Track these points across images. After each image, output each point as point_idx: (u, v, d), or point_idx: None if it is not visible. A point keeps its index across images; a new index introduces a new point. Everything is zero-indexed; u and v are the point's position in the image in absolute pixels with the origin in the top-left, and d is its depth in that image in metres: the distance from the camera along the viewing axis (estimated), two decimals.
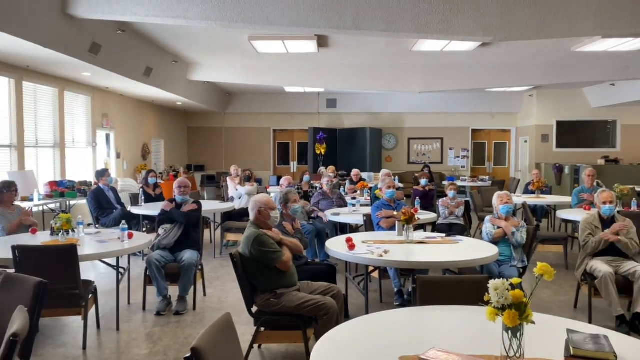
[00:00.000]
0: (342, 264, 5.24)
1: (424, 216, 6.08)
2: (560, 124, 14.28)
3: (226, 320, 2.01)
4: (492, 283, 1.83)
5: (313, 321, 3.30)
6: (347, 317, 4.11)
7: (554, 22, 5.95)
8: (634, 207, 6.39)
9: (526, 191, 9.37)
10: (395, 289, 4.82)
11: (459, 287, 2.77)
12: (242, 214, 7.48)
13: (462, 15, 5.96)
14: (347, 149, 15.49)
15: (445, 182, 13.14)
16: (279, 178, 14.26)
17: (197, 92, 12.51)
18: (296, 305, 3.28)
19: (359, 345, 2.09)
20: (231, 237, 7.42)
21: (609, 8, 5.83)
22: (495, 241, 4.45)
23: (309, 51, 9.28)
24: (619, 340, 2.04)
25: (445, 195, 6.82)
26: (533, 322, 1.80)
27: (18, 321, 1.86)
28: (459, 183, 12.62)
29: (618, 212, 4.93)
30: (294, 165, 16.67)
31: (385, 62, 10.65)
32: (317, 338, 3.30)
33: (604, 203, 4.47)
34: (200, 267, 4.85)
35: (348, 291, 4.78)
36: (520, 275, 4.38)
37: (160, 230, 4.72)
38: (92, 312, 4.01)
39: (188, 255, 4.59)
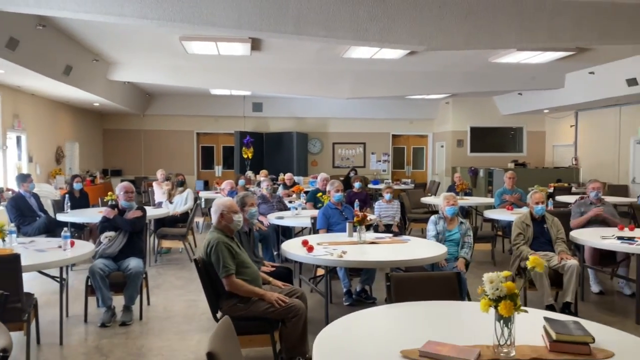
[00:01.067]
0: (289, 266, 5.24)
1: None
2: (473, 130, 15.24)
3: (227, 324, 1.97)
4: (487, 276, 1.96)
5: (280, 324, 3.29)
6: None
7: (481, 35, 6.38)
8: (550, 207, 7.00)
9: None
10: (345, 289, 4.92)
11: (430, 283, 2.91)
12: (176, 220, 7.24)
13: (400, 24, 6.21)
14: (273, 153, 15.48)
15: (370, 185, 13.58)
16: (206, 183, 13.99)
17: (116, 93, 11.92)
18: (264, 309, 3.25)
19: (356, 345, 2.13)
20: (166, 244, 7.15)
21: (529, 24, 6.35)
22: (441, 240, 4.69)
23: (242, 54, 9.19)
24: (585, 325, 2.25)
25: (377, 199, 7.05)
26: (526, 311, 1.94)
27: (2, 336, 1.70)
28: (382, 186, 13.08)
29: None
30: (218, 170, 16.36)
31: (315, 67, 10.80)
32: (283, 340, 3.31)
33: (537, 203, 4.86)
34: (145, 276, 4.65)
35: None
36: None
37: (103, 239, 4.46)
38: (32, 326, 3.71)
39: (134, 263, 4.38)
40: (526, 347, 2.04)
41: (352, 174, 13.32)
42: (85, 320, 4.41)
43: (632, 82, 9.73)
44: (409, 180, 14.17)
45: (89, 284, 4.30)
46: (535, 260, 1.98)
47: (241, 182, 8.34)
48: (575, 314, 4.49)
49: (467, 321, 2.40)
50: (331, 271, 4.78)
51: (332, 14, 6.13)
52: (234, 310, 3.27)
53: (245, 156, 14.25)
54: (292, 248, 4.12)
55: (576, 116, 13.73)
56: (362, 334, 2.24)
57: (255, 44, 8.71)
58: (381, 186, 13.18)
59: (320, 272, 4.98)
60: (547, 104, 12.71)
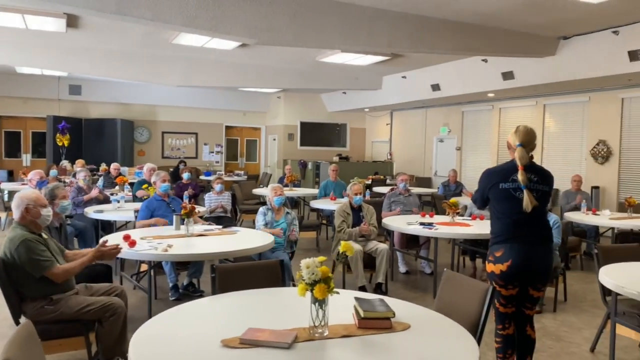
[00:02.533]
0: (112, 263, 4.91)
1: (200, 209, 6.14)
2: (303, 125, 15.91)
3: (28, 329, 1.78)
4: (304, 262, 2.08)
5: (96, 324, 3.07)
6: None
7: (308, 33, 6.67)
8: (367, 197, 7.65)
9: (281, 184, 10.20)
10: (171, 284, 4.78)
11: (255, 272, 2.98)
12: None
13: (230, 15, 6.18)
14: (94, 141, 14.23)
15: (202, 177, 13.32)
16: (10, 173, 12.30)
17: None
18: (77, 310, 3.00)
19: (175, 339, 2.09)
20: None
21: (351, 28, 6.83)
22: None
23: (55, 30, 8.25)
24: (389, 301, 2.54)
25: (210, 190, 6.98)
26: (337, 292, 2.11)
27: None
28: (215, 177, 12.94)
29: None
30: (26, 158, 14.51)
31: (142, 51, 10.19)
32: (100, 341, 3.10)
33: (355, 194, 5.28)
34: None
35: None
36: (290, 259, 4.86)
37: None
38: None
39: None
40: (339, 326, 2.22)
41: (181, 165, 12.94)
42: None
43: (435, 87, 11.10)
44: (242, 172, 14.24)
45: None
46: (345, 245, 2.16)
47: (53, 172, 7.51)
48: (385, 293, 5.01)
49: (289, 306, 2.52)
50: (156, 266, 4.64)
51: None
52: (41, 314, 2.96)
53: (60, 144, 12.86)
54: (113, 243, 3.85)
55: (391, 115, 15.20)
56: (183, 327, 2.21)
57: (72, 21, 7.91)
58: (213, 177, 13.03)
59: (145, 267, 4.77)
60: (367, 104, 13.83)
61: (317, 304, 2.10)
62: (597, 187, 9.19)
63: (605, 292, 3.62)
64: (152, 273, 3.85)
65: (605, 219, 6.30)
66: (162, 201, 5.04)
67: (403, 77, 11.85)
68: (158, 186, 5.02)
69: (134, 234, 4.30)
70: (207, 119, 16.33)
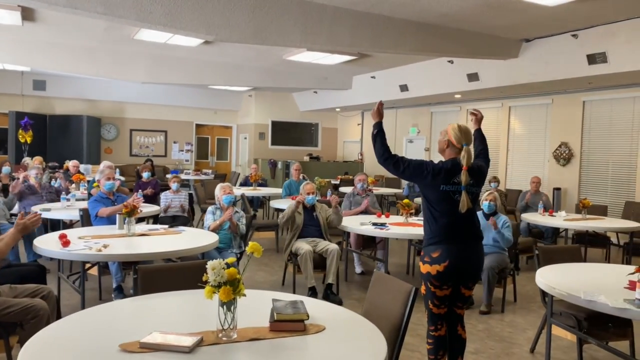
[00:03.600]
0: (55, 263, 4.78)
1: (147, 209, 6.02)
2: (274, 124, 15.81)
3: None
4: (210, 263, 2.01)
5: (18, 327, 2.95)
6: (59, 319, 3.81)
7: (268, 30, 6.60)
8: (329, 196, 7.59)
9: (245, 183, 10.11)
10: (115, 284, 4.66)
11: (180, 273, 2.89)
12: None
13: (186, 10, 6.07)
14: (59, 138, 13.92)
15: (169, 176, 13.13)
16: None
17: None
18: None
19: (73, 342, 2.00)
20: None
21: (312, 25, 6.77)
22: (215, 230, 4.73)
23: (11, 23, 8.03)
24: (311, 304, 2.48)
25: (169, 188, 6.85)
26: (244, 295, 2.04)
27: None
28: (182, 176, 12.77)
29: (318, 200, 5.82)
30: None
31: (105, 47, 9.99)
32: (22, 344, 2.97)
33: (308, 194, 5.22)
34: None
35: (61, 293, 4.41)
36: (238, 260, 4.78)
37: None
38: None
39: None
40: (250, 329, 2.15)
41: (148, 164, 12.73)
42: None
43: (403, 87, 11.12)
44: (210, 171, 14.08)
45: None
46: (252, 246, 2.10)
47: (5, 169, 7.27)
48: (336, 294, 4.97)
49: (205, 309, 2.43)
50: (102, 266, 4.53)
51: None
52: None
53: (22, 140, 12.52)
54: (46, 243, 3.73)
55: (362, 115, 15.20)
56: (88, 331, 2.12)
57: (28, 14, 7.70)
58: (181, 176, 12.85)
59: (94, 269, 4.64)
60: (339, 103, 13.80)
61: (224, 306, 2.03)
62: (558, 189, 9.32)
63: (545, 293, 3.62)
64: (84, 274, 3.72)
65: (560, 220, 6.36)
66: (107, 199, 4.91)
67: (372, 77, 11.85)
68: (102, 184, 4.89)
69: (74, 233, 4.18)
70: (177, 117, 16.11)
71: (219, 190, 4.92)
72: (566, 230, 6.39)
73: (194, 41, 8.77)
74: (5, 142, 13.66)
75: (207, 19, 6.24)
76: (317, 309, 2.43)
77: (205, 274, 2.03)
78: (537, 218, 6.57)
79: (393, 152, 3.07)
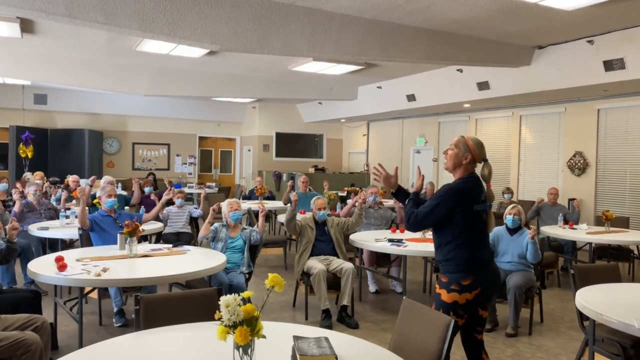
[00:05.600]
0: (51, 287, 4.50)
1: (150, 226, 5.76)
2: (279, 135, 15.57)
3: None
4: (224, 300, 1.73)
5: None
6: (55, 349, 3.55)
7: (274, 39, 6.37)
8: (338, 211, 7.32)
9: (250, 197, 9.84)
10: (116, 309, 4.37)
11: (188, 303, 2.61)
12: None
13: (189, 19, 5.85)
14: (60, 152, 13.69)
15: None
16: None
17: None
18: None
19: None
20: None
21: (319, 34, 6.54)
22: (223, 248, 4.45)
23: (10, 35, 7.82)
24: (335, 339, 2.20)
25: (173, 204, 6.58)
26: (264, 337, 1.76)
27: None
28: (186, 190, 12.52)
29: (327, 215, 5.55)
30: None
31: (106, 59, 9.79)
32: None
33: (319, 209, 4.95)
34: None
35: (58, 318, 4.13)
36: (247, 280, 4.49)
37: None
38: None
39: None
40: None
41: (150, 178, 12.50)
42: None
43: (411, 97, 10.88)
44: (214, 184, 13.82)
45: None
46: (274, 278, 1.82)
47: (2, 185, 7.00)
48: (351, 316, 4.67)
49: (215, 347, 2.14)
50: (101, 289, 4.25)
51: (111, 0, 5.49)
52: None
53: (23, 155, 12.32)
54: (40, 267, 3.45)
55: (368, 126, 14.96)
56: None
57: (27, 26, 7.49)
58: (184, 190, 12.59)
59: (94, 292, 4.36)
60: (344, 114, 13.57)
61: (240, 349, 1.75)
62: (573, 199, 9.00)
63: (583, 316, 3.32)
64: (84, 299, 3.43)
65: (583, 234, 6.06)
66: (108, 217, 4.63)
67: (378, 87, 11.62)
68: (103, 201, 4.62)
69: (72, 254, 3.91)
70: (179, 130, 15.89)
71: (226, 207, 4.64)
72: (590, 244, 6.06)
73: (198, 52, 8.56)
74: (6, 157, 13.43)
75: (211, 28, 6.01)
76: (343, 345, 2.15)
77: (218, 311, 1.75)
78: (557, 231, 6.28)
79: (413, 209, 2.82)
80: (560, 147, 9.66)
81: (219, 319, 1.73)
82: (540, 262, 4.76)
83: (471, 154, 2.80)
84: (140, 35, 6.25)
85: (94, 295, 4.30)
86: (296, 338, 2.05)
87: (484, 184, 2.82)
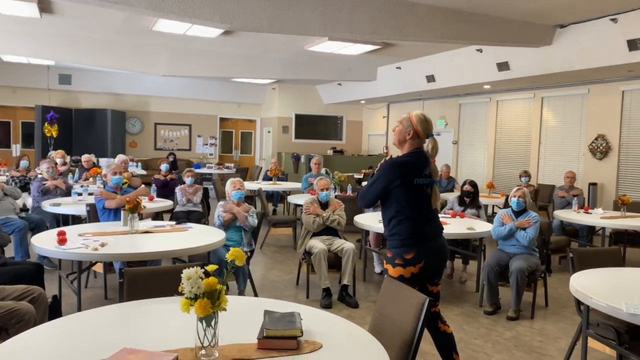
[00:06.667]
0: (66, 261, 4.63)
1: (160, 204, 5.85)
2: (298, 117, 15.54)
3: None
4: (185, 272, 1.75)
5: (3, 331, 2.77)
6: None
7: (285, 18, 6.32)
8: (349, 192, 7.30)
9: (265, 178, 9.89)
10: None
11: (172, 277, 2.64)
12: None
13: None
14: (84, 132, 13.99)
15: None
16: None
17: None
18: None
19: (41, 354, 1.77)
20: None
21: (331, 12, 6.46)
22: (225, 226, 4.49)
23: (29, 15, 7.96)
24: (310, 315, 2.21)
25: (183, 183, 6.67)
26: (224, 309, 1.78)
27: None
28: (205, 170, 12.68)
29: (336, 196, 5.54)
30: (16, 149, 14.30)
31: (125, 39, 9.89)
32: None
33: (322, 190, 4.94)
34: None
35: (65, 291, 4.26)
36: (248, 259, 4.54)
37: None
38: None
39: None
40: (235, 346, 1.89)
41: (170, 158, 12.70)
42: None
43: (430, 78, 10.69)
44: (232, 165, 13.93)
45: None
46: (234, 252, 1.83)
47: (24, 163, 7.21)
48: (352, 296, 4.68)
49: (185, 320, 2.17)
50: (108, 263, 4.34)
51: None
52: None
53: (48, 134, 12.61)
54: (42, 241, 3.56)
55: (388, 108, 14.79)
56: (53, 344, 1.88)
57: (45, 6, 7.61)
58: (203, 170, 12.76)
59: (99, 266, 4.47)
60: (363, 95, 13.44)
61: (203, 321, 1.77)
62: (594, 184, 8.78)
63: (580, 301, 3.26)
64: (85, 272, 3.53)
65: (596, 218, 5.91)
66: (114, 194, 4.72)
67: (397, 67, 11.44)
68: (109, 179, 4.70)
69: (76, 229, 4.01)
70: (201, 111, 16.03)
71: (229, 186, 4.68)
72: (603, 228, 5.90)
73: (213, 32, 8.57)
74: (32, 136, 13.80)
75: (221, 6, 6.00)
76: (316, 321, 2.15)
77: (181, 284, 1.77)
78: (571, 215, 6.13)
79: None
80: (582, 129, 9.38)
81: (181, 292, 1.76)
82: (545, 246, 4.66)
83: (414, 130, 2.84)
84: (150, 14, 6.28)
85: (100, 269, 4.41)
86: (267, 312, 2.07)
87: (430, 160, 2.82)
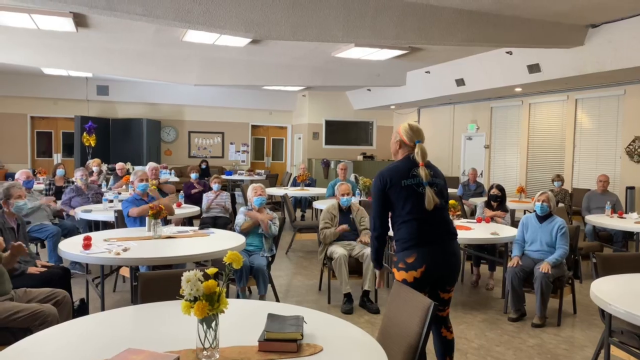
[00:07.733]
0: (95, 266, 4.80)
1: (186, 210, 5.98)
2: (328, 123, 15.60)
3: None
4: (185, 275, 1.80)
5: (28, 332, 2.89)
6: None
7: (308, 26, 6.38)
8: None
9: (294, 184, 9.96)
10: None
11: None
12: None
13: (223, 8, 5.97)
14: (121, 141, 14.44)
15: (223, 176, 13.24)
16: (35, 172, 12.59)
17: None
18: (4, 317, 2.83)
19: (53, 353, 1.85)
20: None
21: (354, 18, 6.49)
22: (245, 232, 4.56)
23: (66, 30, 8.31)
24: (314, 319, 2.22)
25: (210, 188, 6.80)
26: (222, 312, 1.81)
27: None
28: (236, 177, 12.86)
29: (361, 201, 5.53)
30: (58, 158, 14.88)
31: (157, 50, 10.18)
32: None
33: (342, 195, 4.95)
34: None
35: (92, 294, 4.40)
36: (269, 264, 4.59)
37: None
38: None
39: None
40: (236, 348, 1.92)
41: (203, 165, 12.95)
42: None
43: (460, 82, 10.56)
44: (263, 172, 14.09)
45: None
46: (232, 255, 1.87)
47: (60, 171, 7.50)
48: (373, 302, 4.66)
49: (192, 322, 2.22)
50: (133, 269, 4.47)
51: None
52: None
53: (87, 144, 13.08)
54: (68, 246, 3.70)
55: (419, 112, 14.67)
56: (63, 344, 1.96)
57: (80, 20, 7.93)
58: (234, 177, 12.95)
59: (125, 270, 4.62)
60: (393, 100, 13.38)
61: (203, 323, 1.81)
62: (632, 188, 8.46)
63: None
64: (109, 276, 3.65)
65: (630, 223, 5.69)
66: (141, 201, 4.86)
67: (427, 72, 11.35)
68: (135, 186, 4.85)
69: (102, 235, 4.15)
70: (233, 118, 16.29)
71: (250, 192, 4.75)
72: (638, 233, 5.68)
73: (241, 41, 8.72)
74: (72, 146, 14.33)
75: (245, 16, 6.11)
76: (320, 325, 2.17)
77: (182, 288, 1.82)
78: (603, 220, 5.93)
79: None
80: (618, 132, 9.07)
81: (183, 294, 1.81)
82: (573, 252, 4.53)
83: (400, 139, 2.89)
84: (177, 25, 6.46)
85: (127, 274, 4.54)
86: (270, 316, 2.10)
87: (418, 163, 2.80)
